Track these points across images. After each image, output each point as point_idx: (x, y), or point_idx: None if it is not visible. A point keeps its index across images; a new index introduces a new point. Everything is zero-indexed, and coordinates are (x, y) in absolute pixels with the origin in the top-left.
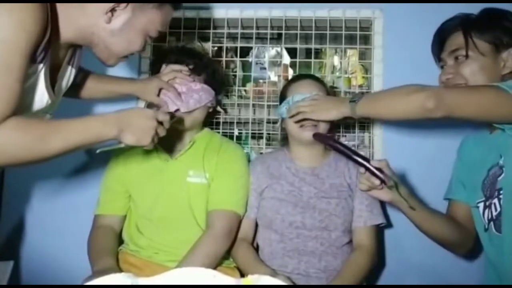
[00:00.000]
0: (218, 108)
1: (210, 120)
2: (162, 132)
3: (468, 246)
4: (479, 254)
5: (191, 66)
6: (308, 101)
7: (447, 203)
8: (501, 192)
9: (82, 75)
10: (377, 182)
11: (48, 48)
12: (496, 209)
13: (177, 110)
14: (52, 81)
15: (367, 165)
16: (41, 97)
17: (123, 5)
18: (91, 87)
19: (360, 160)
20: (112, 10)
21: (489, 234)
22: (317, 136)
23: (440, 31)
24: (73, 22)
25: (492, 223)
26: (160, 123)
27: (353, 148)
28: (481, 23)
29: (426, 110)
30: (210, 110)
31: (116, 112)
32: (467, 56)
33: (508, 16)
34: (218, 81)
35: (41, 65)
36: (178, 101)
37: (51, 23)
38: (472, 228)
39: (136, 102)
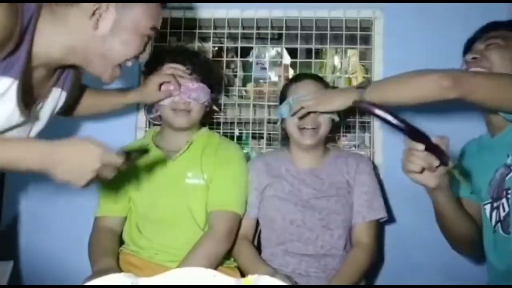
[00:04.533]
0: (214, 107)
1: (210, 121)
2: (108, 175)
3: (479, 247)
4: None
5: (188, 66)
6: (310, 95)
7: None
8: (509, 191)
9: (81, 93)
10: (436, 162)
11: (22, 64)
12: (504, 210)
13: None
14: (30, 101)
15: (430, 141)
16: (10, 114)
17: (104, 6)
18: (94, 103)
19: (419, 135)
20: (95, 14)
21: (495, 236)
22: (359, 104)
23: (487, 25)
24: (58, 40)
25: (499, 224)
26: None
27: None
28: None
29: (442, 88)
30: (207, 109)
31: (57, 143)
32: (499, 45)
33: None
34: (215, 79)
35: (9, 79)
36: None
37: (25, 38)
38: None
39: (137, 111)
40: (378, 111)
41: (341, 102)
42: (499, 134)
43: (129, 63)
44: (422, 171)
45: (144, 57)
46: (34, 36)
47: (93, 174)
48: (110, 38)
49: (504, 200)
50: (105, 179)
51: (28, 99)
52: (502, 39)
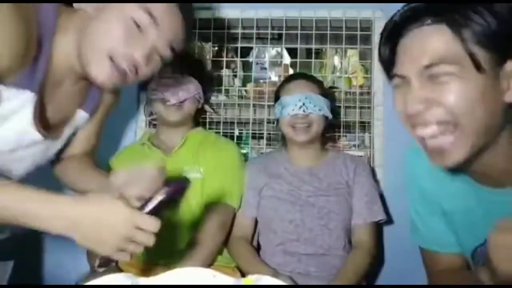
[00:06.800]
0: (207, 108)
1: (209, 120)
2: (147, 241)
3: None
4: None
5: (176, 61)
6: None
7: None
8: None
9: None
10: None
11: (41, 76)
12: None
13: None
14: (54, 119)
15: None
16: (22, 130)
17: None
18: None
19: None
20: None
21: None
22: None
23: (394, 26)
24: (75, 43)
25: None
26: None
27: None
28: (474, 16)
29: None
30: (199, 106)
31: (78, 202)
32: (457, 76)
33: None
34: (204, 76)
35: (28, 93)
36: None
37: (44, 48)
38: None
39: (137, 111)
40: None
41: None
42: (495, 190)
43: (122, 62)
44: None
45: (143, 70)
46: (53, 44)
47: (123, 245)
48: (95, 19)
49: None
50: (144, 247)
51: (50, 116)
52: (452, 63)
